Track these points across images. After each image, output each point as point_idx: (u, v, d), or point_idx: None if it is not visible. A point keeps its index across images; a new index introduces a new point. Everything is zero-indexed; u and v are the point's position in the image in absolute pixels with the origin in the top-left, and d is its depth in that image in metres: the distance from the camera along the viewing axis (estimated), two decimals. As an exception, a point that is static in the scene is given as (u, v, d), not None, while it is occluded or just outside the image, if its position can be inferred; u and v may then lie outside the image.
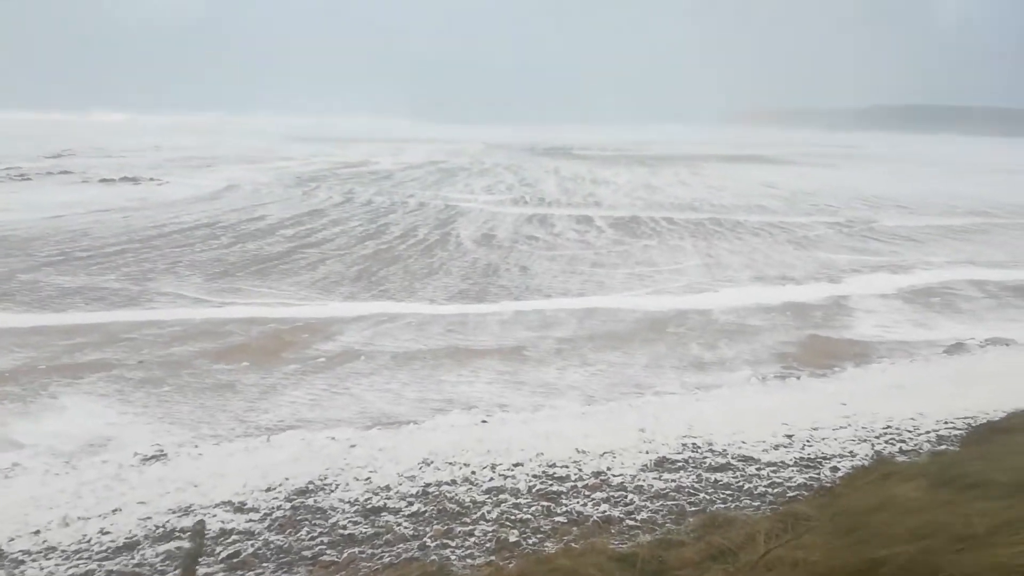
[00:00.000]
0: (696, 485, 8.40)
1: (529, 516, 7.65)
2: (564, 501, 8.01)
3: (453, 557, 6.84)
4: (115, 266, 20.70)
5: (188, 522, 7.48)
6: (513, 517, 7.62)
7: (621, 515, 7.65)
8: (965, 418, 10.66)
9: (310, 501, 8.04)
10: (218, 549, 7.01)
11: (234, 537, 7.26)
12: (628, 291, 19.89)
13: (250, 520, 7.60)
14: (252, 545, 7.09)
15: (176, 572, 6.56)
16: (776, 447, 9.62)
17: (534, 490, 8.29)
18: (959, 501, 5.34)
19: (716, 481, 8.51)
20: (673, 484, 8.42)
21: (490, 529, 7.36)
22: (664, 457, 9.23)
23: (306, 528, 7.44)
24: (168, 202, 34.10)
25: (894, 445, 9.67)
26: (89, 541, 7.17)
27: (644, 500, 8.01)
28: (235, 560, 6.85)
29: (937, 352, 15.04)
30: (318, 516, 7.70)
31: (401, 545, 7.07)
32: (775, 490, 8.25)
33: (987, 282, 22.19)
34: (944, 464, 6.87)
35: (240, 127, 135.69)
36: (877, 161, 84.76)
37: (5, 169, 45.14)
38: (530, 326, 16.17)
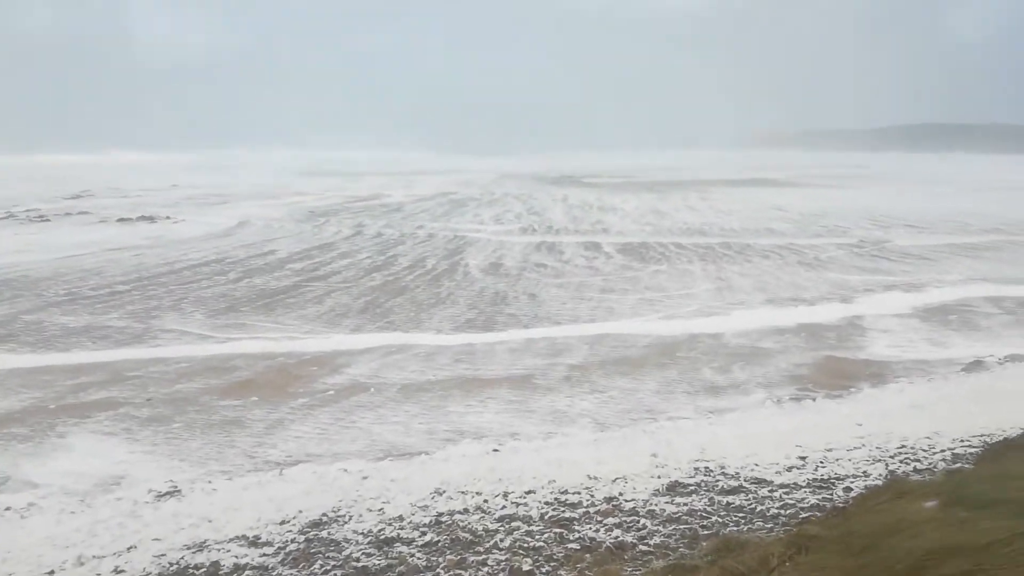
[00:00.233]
0: (708, 508, 8.35)
1: (542, 543, 7.62)
2: (576, 527, 7.97)
3: (466, 587, 6.81)
4: (122, 304, 20.92)
5: (203, 559, 7.51)
6: (526, 545, 7.59)
7: (634, 540, 7.61)
8: (981, 436, 10.54)
9: (324, 533, 8.06)
10: (231, 584, 7.03)
11: (248, 573, 7.27)
12: (638, 316, 19.88)
13: (264, 555, 7.62)
14: (265, 580, 7.10)
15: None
16: (789, 469, 9.54)
17: (546, 517, 8.26)
18: (972, 520, 5.29)
19: (728, 504, 8.45)
20: (685, 508, 8.37)
21: (503, 558, 7.34)
22: (676, 481, 9.18)
23: (320, 561, 7.44)
24: (182, 239, 34.56)
25: (908, 464, 9.56)
26: (103, 579, 7.20)
27: (657, 525, 7.97)
28: (248, 594, 6.86)
29: (955, 370, 14.89)
30: (332, 548, 7.70)
31: (414, 576, 7.05)
32: (787, 511, 8.19)
33: (1004, 299, 21.99)
34: (958, 483, 6.80)
35: (255, 163, 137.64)
36: (886, 181, 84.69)
37: (25, 211, 45.99)
38: (539, 354, 16.18)
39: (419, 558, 7.40)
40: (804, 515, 8.00)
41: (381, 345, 16.81)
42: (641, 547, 7.47)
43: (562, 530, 7.91)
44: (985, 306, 21.13)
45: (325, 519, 8.42)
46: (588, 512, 8.36)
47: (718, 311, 20.41)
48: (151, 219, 42.14)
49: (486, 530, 7.97)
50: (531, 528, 7.98)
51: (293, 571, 7.26)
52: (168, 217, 43.35)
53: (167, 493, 9.26)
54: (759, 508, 8.32)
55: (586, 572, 7.00)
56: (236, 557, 7.56)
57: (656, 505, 8.49)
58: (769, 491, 8.80)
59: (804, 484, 9.01)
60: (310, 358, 15.79)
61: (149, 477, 9.88)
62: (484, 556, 7.39)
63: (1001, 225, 39.92)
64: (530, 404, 13.00)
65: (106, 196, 59.74)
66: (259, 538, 7.97)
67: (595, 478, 9.35)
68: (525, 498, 8.81)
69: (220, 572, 7.28)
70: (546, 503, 8.64)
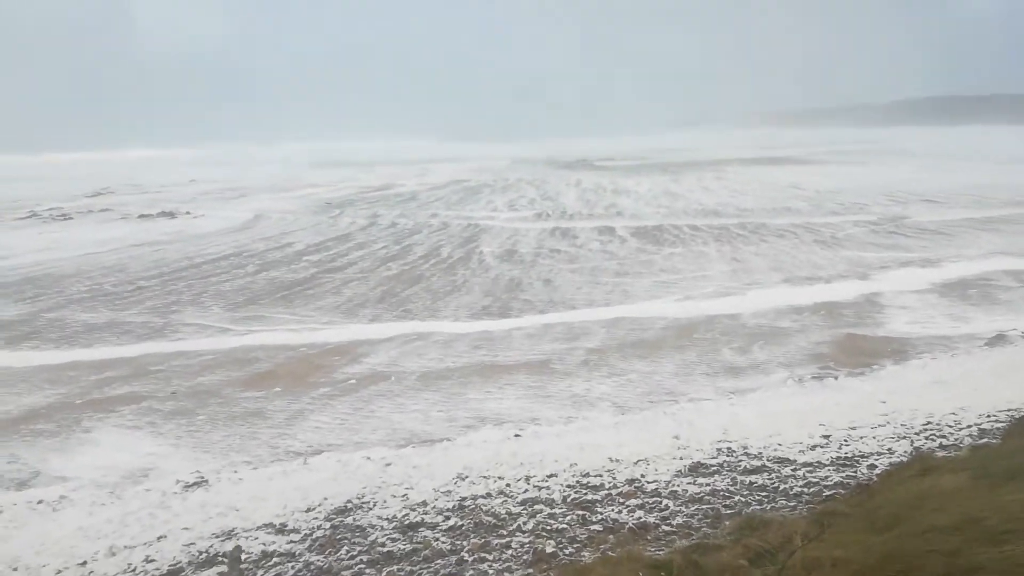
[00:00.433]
0: (731, 488, 8.34)
1: (565, 526, 7.66)
2: (599, 509, 8.00)
3: (491, 572, 6.87)
4: (144, 299, 21.18)
5: (230, 546, 7.63)
6: (549, 527, 7.64)
7: (656, 521, 7.63)
8: (1008, 411, 10.42)
9: (349, 520, 8.15)
10: (259, 573, 7.13)
11: (275, 559, 7.38)
12: (654, 299, 19.82)
13: (291, 541, 7.72)
14: (293, 567, 7.20)
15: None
16: (812, 447, 9.50)
17: (569, 500, 8.30)
18: (1000, 494, 5.24)
19: (751, 483, 8.44)
20: (708, 488, 8.37)
21: (526, 540, 7.39)
22: (699, 462, 9.18)
23: (346, 547, 7.53)
24: (201, 234, 34.85)
25: (934, 441, 9.49)
26: (135, 570, 7.34)
27: (679, 505, 7.98)
28: (277, 581, 6.96)
29: (977, 345, 14.74)
30: (357, 534, 7.79)
31: (439, 561, 7.12)
32: (811, 490, 8.16)
33: (1024, 272, 21.70)
34: (985, 457, 6.75)
35: (269, 156, 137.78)
36: (903, 156, 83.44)
37: (47, 210, 46.52)
38: (557, 339, 16.20)
39: (443, 542, 7.47)
40: (828, 493, 7.97)
41: (399, 334, 16.91)
42: (664, 527, 7.49)
43: (585, 512, 7.95)
44: (1005, 279, 20.86)
45: (350, 506, 8.51)
46: (610, 494, 8.38)
47: (734, 292, 20.29)
48: (171, 215, 42.47)
49: (509, 513, 8.02)
50: (554, 511, 8.02)
51: (320, 557, 7.36)
52: (188, 212, 43.66)
53: (194, 484, 9.40)
54: (782, 487, 8.30)
55: (609, 553, 7.02)
56: (264, 544, 7.67)
57: (678, 486, 8.49)
58: (792, 470, 8.78)
59: (828, 462, 8.97)
60: (329, 349, 15.93)
61: (176, 468, 10.04)
62: (508, 539, 7.45)
63: (1020, 198, 39.24)
64: (549, 389, 13.03)
65: (126, 193, 60.21)
66: (286, 525, 8.08)
67: (617, 460, 9.36)
68: (547, 481, 8.85)
69: (249, 559, 7.39)
70: (568, 486, 8.67)
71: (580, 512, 7.95)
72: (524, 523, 7.76)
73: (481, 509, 8.16)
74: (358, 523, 8.05)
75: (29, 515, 8.75)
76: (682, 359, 14.53)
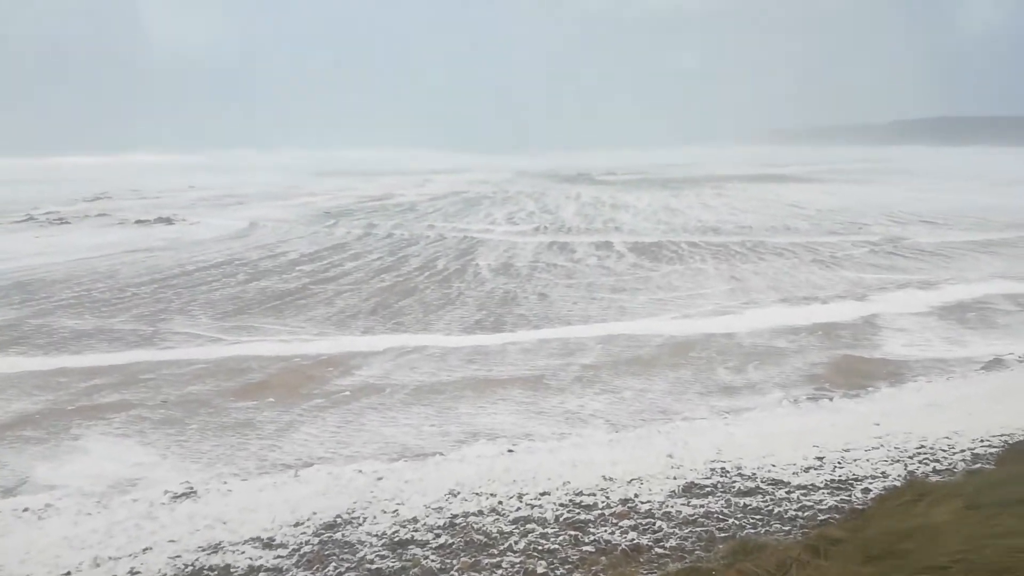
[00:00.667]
0: (725, 510, 8.27)
1: (556, 546, 7.57)
2: (591, 530, 7.92)
3: (480, 590, 6.78)
4: (135, 306, 21.05)
5: (217, 560, 7.54)
6: (540, 547, 7.55)
7: (649, 543, 7.55)
8: (1002, 435, 10.37)
9: (338, 535, 8.05)
10: (246, 586, 7.04)
11: (262, 574, 7.28)
12: (651, 316, 19.77)
13: (278, 556, 7.63)
14: (279, 582, 7.11)
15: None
16: (807, 469, 9.44)
17: (561, 519, 8.22)
18: (994, 522, 5.19)
19: (745, 505, 8.37)
20: (702, 510, 8.29)
21: (517, 560, 7.30)
22: (692, 482, 9.11)
23: (334, 563, 7.44)
24: (196, 241, 34.80)
25: (927, 465, 9.43)
26: (119, 581, 7.24)
27: (673, 527, 7.90)
28: (263, 597, 6.86)
29: (974, 369, 14.70)
30: (346, 550, 7.70)
31: (428, 579, 7.03)
32: (805, 513, 8.09)
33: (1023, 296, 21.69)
34: (979, 484, 6.70)
35: (270, 163, 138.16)
36: (905, 176, 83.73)
37: (44, 213, 46.44)
38: (551, 354, 16.13)
39: (433, 560, 7.38)
40: (822, 517, 7.90)
41: (393, 347, 16.80)
42: (657, 549, 7.41)
43: (577, 532, 7.86)
44: (1004, 303, 20.84)
45: (339, 520, 8.42)
46: (603, 514, 8.30)
47: (732, 310, 20.26)
48: (168, 221, 42.44)
49: (500, 532, 7.94)
50: (546, 530, 7.94)
51: (307, 573, 7.26)
52: (185, 219, 43.65)
53: (183, 495, 9.30)
54: (776, 510, 8.23)
55: (601, 575, 6.95)
56: (251, 559, 7.57)
57: (672, 507, 8.42)
58: (786, 492, 8.71)
59: (822, 485, 8.90)
60: (321, 360, 15.82)
61: (164, 479, 9.93)
62: (498, 558, 7.36)
63: (1020, 220, 39.34)
64: (542, 404, 12.96)
65: (124, 198, 60.19)
66: (274, 540, 7.99)
67: (610, 479, 9.29)
68: (540, 500, 8.76)
69: (235, 574, 7.29)
70: (561, 505, 8.59)
71: (572, 532, 7.87)
72: (515, 543, 7.67)
73: (472, 527, 8.08)
74: (347, 539, 7.96)
75: (14, 523, 8.64)
76: (677, 377, 14.47)
